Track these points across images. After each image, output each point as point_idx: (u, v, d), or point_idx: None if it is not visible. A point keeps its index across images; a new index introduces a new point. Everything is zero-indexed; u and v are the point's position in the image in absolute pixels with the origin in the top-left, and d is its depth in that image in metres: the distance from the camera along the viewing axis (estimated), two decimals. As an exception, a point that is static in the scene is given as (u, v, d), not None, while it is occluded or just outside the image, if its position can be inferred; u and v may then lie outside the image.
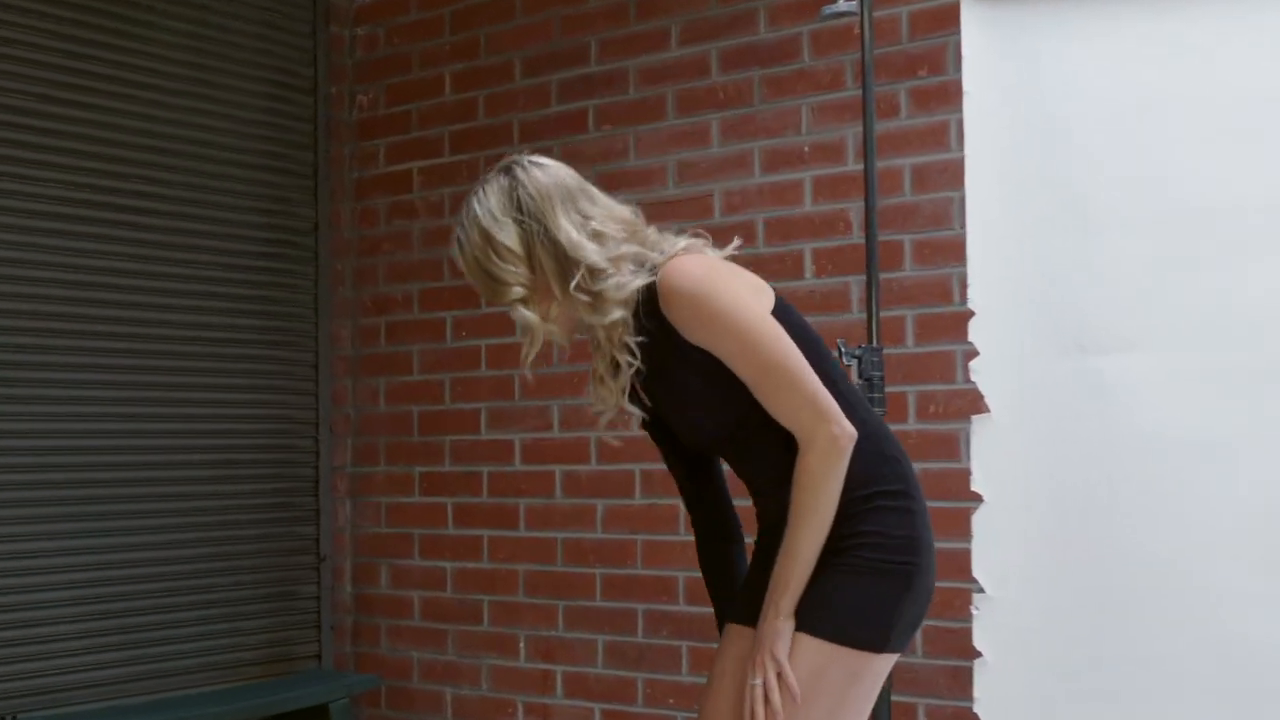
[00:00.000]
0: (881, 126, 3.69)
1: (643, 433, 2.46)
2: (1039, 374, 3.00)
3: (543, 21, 4.57)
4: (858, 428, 2.17)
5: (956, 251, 3.66)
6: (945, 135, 3.76)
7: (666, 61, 4.30)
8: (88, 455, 4.22)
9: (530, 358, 2.29)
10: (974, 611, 3.06)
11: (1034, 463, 3.00)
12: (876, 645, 2.17)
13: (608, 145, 4.41)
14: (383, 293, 4.93)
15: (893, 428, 3.54)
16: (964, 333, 3.51)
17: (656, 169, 4.30)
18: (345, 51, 5.04)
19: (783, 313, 2.26)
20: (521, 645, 4.53)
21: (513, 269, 2.23)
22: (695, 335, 2.20)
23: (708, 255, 2.29)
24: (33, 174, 4.11)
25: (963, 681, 3.61)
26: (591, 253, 2.22)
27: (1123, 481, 2.92)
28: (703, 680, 2.46)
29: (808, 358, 2.19)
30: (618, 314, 2.23)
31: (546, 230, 2.23)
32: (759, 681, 2.14)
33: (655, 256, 2.25)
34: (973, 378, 3.14)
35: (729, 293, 2.20)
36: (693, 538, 2.52)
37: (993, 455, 3.05)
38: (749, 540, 2.44)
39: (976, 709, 3.12)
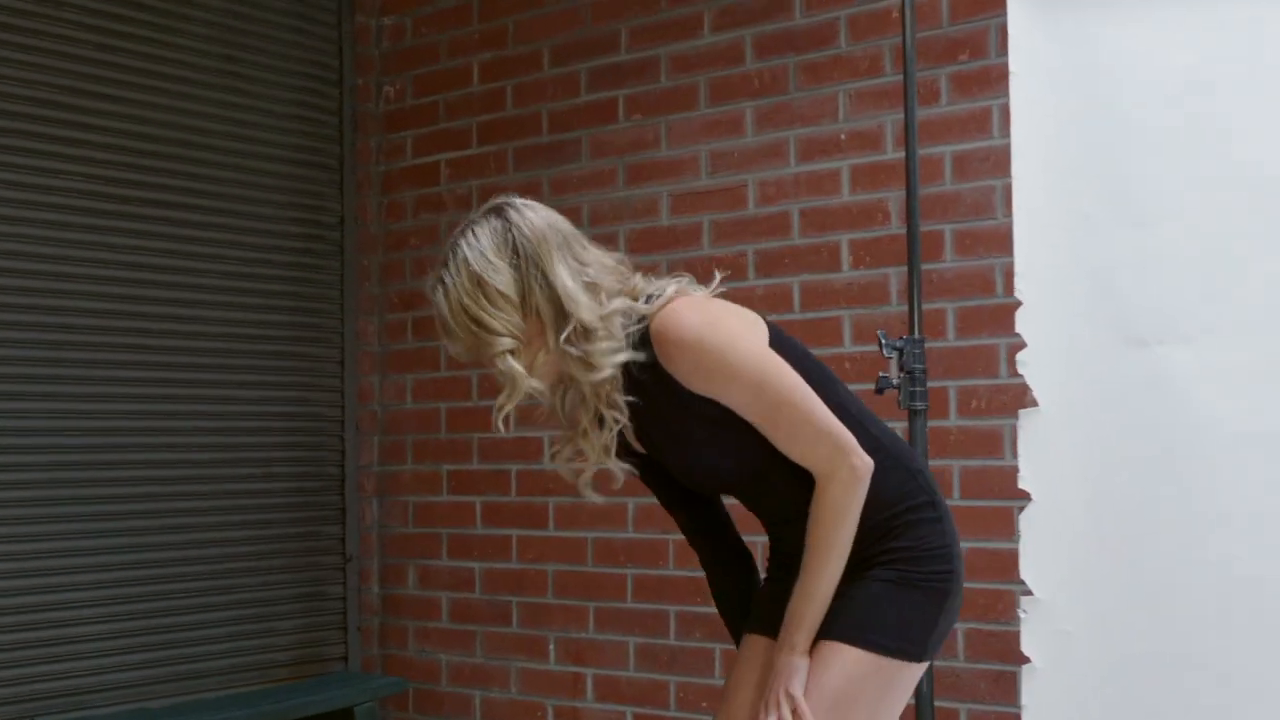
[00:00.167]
0: (921, 113, 3.59)
1: None
2: (1090, 366, 2.89)
3: (572, 8, 4.51)
4: (874, 445, 2.15)
5: (999, 242, 3.59)
6: (987, 122, 3.68)
7: (699, 48, 4.23)
8: (109, 453, 4.19)
9: (506, 411, 2.18)
10: (1022, 615, 2.95)
11: (1085, 459, 2.89)
12: (914, 655, 2.16)
13: (638, 135, 4.34)
14: (410, 288, 4.86)
15: (933, 424, 3.47)
16: (1007, 326, 3.42)
17: (688, 159, 4.23)
18: (372, 42, 4.99)
19: (780, 343, 2.20)
20: (551, 647, 4.48)
21: (504, 316, 2.11)
22: (699, 387, 2.13)
23: (696, 296, 2.20)
24: (60, 167, 4.10)
25: (1005, 687, 3.54)
26: (585, 309, 2.12)
27: (1181, 478, 2.80)
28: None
29: (813, 386, 2.14)
30: (609, 372, 2.13)
31: (544, 275, 2.12)
32: (774, 719, 2.11)
33: (643, 307, 2.16)
34: (1020, 370, 3.03)
35: (728, 337, 2.13)
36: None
37: (1041, 451, 2.93)
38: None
39: (1025, 717, 3.00)
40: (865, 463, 2.11)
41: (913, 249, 3.00)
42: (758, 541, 2.42)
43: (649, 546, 4.21)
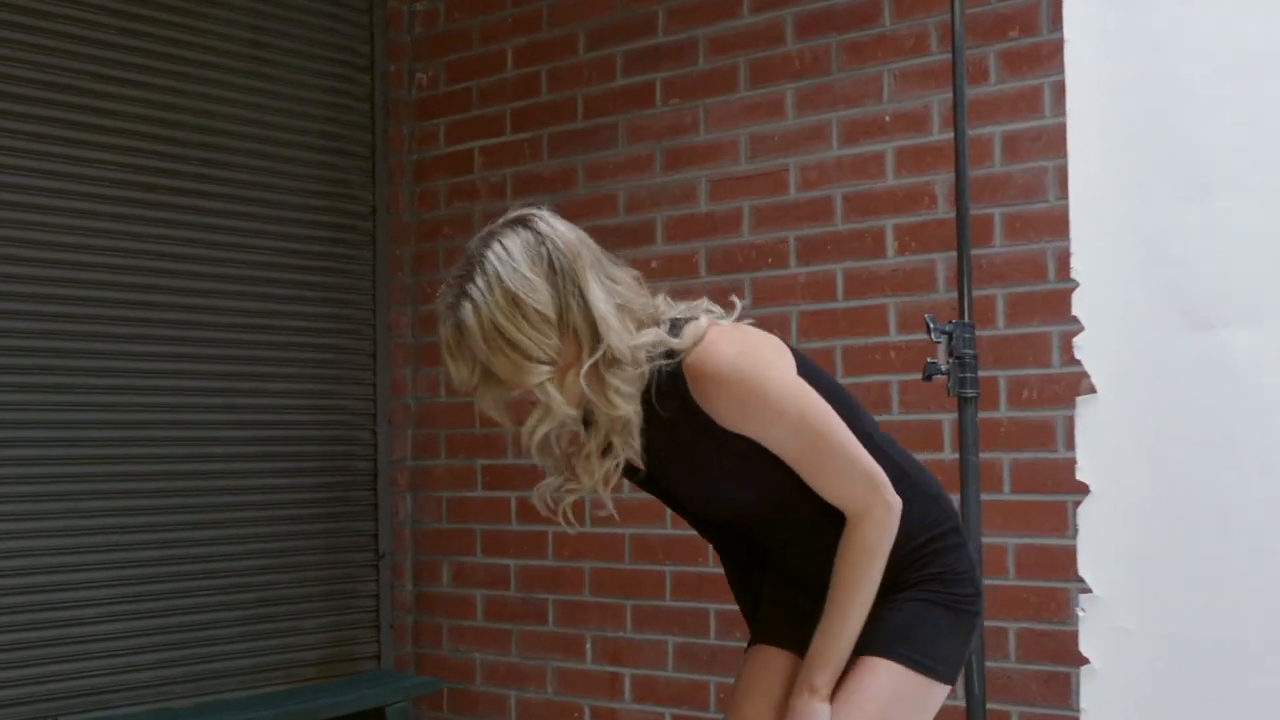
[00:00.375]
0: (969, 92, 3.47)
1: None
2: (1152, 351, 2.74)
3: (607, -10, 4.44)
4: (898, 474, 2.10)
5: (1051, 225, 3.47)
6: (1039, 100, 3.56)
7: (738, 29, 4.13)
8: (132, 447, 4.14)
9: (539, 437, 2.03)
10: (1080, 613, 2.81)
11: (1147, 449, 2.74)
12: (946, 677, 2.13)
13: (676, 119, 4.25)
14: (443, 279, 4.76)
15: (982, 415, 3.34)
16: (1059, 312, 3.30)
17: (728, 143, 4.13)
18: (404, 27, 4.93)
19: (807, 371, 2.09)
20: (588, 646, 4.41)
21: (543, 339, 1.94)
22: (736, 425, 2.01)
23: (725, 326, 2.07)
24: (87, 155, 4.06)
25: (1059, 688, 3.43)
26: (616, 335, 1.97)
27: (1248, 468, 2.65)
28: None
29: (841, 415, 2.05)
30: (630, 408, 2.00)
31: (581, 293, 1.96)
32: None
33: (673, 340, 2.01)
34: (1077, 356, 2.88)
35: (767, 373, 2.01)
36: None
37: (1099, 441, 2.79)
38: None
39: (1084, 720, 2.87)
40: (897, 501, 2.05)
41: (962, 232, 2.90)
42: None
43: (688, 543, 4.12)
